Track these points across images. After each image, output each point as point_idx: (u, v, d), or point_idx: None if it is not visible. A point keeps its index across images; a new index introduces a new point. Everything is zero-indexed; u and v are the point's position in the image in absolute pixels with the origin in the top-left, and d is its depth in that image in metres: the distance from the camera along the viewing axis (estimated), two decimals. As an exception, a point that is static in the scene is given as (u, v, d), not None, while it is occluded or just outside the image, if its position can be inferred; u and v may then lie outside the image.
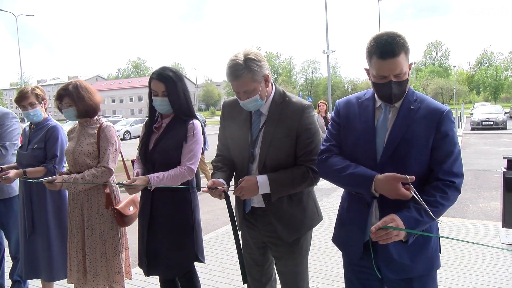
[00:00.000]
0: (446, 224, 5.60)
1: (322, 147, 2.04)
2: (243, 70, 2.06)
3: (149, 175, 2.48)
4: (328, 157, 1.96)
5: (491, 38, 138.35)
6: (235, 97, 2.31)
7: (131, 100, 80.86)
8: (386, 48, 1.72)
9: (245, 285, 2.44)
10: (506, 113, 28.02)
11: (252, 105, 2.19)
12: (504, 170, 4.87)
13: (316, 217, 2.42)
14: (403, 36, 1.75)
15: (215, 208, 7.08)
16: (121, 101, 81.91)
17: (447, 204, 1.77)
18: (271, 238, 2.34)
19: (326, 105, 10.05)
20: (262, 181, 2.15)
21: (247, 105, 2.19)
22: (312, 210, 2.38)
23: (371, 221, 1.88)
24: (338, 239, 2.11)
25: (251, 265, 2.48)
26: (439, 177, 1.78)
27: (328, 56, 24.22)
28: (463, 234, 5.20)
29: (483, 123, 23.24)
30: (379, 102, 1.92)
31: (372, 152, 1.85)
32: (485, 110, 25.42)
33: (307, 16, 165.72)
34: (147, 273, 2.70)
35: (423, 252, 1.88)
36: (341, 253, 2.14)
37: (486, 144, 16.30)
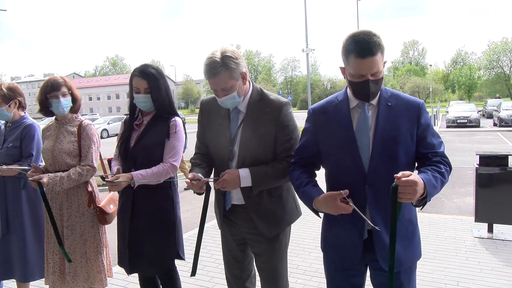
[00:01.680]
0: (422, 219, 5.73)
1: (292, 159, 2.13)
2: (221, 68, 2.07)
3: (132, 172, 2.47)
4: (293, 169, 2.06)
5: (466, 38, 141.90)
6: (213, 95, 2.32)
7: (109, 98, 79.60)
8: (364, 47, 1.73)
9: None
10: (479, 111, 28.79)
11: (230, 103, 2.20)
12: (477, 166, 5.04)
13: (295, 213, 2.45)
14: (378, 35, 1.78)
15: (195, 206, 7.06)
16: (98, 99, 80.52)
17: (448, 178, 1.84)
18: (251, 235, 2.36)
19: None
20: (244, 174, 2.17)
21: (225, 103, 2.20)
22: (291, 206, 2.41)
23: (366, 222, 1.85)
24: (330, 244, 2.07)
25: (231, 262, 2.50)
26: (436, 160, 1.85)
27: (307, 54, 24.36)
28: (439, 228, 5.33)
29: (458, 121, 23.81)
30: (354, 103, 1.91)
31: (356, 154, 1.85)
32: (459, 108, 26.04)
33: (287, 15, 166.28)
34: (129, 271, 2.68)
35: (412, 242, 1.96)
36: (321, 252, 2.15)
37: (461, 141, 16.71)
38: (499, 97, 42.49)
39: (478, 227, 5.22)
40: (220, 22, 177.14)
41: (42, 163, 3.04)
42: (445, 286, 3.70)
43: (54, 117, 2.99)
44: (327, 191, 1.92)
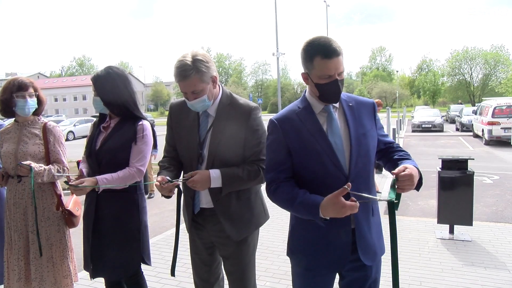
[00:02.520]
0: (388, 221, 5.87)
1: (267, 177, 1.95)
2: (191, 71, 2.08)
3: (97, 177, 2.43)
4: (276, 187, 1.89)
5: (430, 45, 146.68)
6: (182, 98, 2.33)
7: (75, 99, 77.39)
8: (329, 48, 1.78)
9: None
10: (443, 116, 29.81)
11: (200, 106, 2.21)
12: (439, 170, 5.22)
13: (263, 216, 2.47)
14: (335, 40, 1.86)
15: (163, 210, 6.98)
16: (64, 100, 78.15)
17: None
18: (219, 238, 2.36)
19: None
20: (215, 175, 2.18)
21: (195, 106, 2.20)
22: (259, 209, 2.43)
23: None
24: (308, 248, 1.98)
25: (199, 266, 2.49)
26: (395, 149, 2.02)
27: (277, 58, 24.58)
28: (403, 230, 5.48)
29: (423, 126, 24.58)
30: (318, 108, 1.94)
31: (335, 157, 1.86)
32: (424, 114, 26.89)
33: (258, 18, 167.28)
34: (92, 275, 2.64)
35: (381, 234, 2.08)
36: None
37: (425, 145, 17.26)
38: (461, 103, 44.12)
39: (440, 228, 5.40)
40: (191, 23, 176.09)
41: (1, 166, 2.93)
42: (408, 286, 3.81)
43: (13, 119, 2.90)
44: None
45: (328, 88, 1.85)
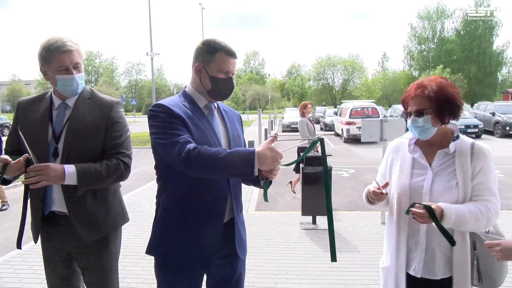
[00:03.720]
0: (258, 217, 6.18)
1: (175, 142, 1.73)
2: (72, 43, 2.10)
3: None
4: (196, 146, 1.72)
5: (299, 51, 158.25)
6: (31, 96, 2.21)
7: None
8: (232, 48, 1.95)
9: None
10: (310, 117, 32.36)
11: (81, 83, 2.17)
12: (303, 166, 5.67)
13: (122, 218, 2.37)
14: None
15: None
16: None
17: None
18: (77, 248, 2.21)
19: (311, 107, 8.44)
20: (70, 170, 2.01)
21: (78, 81, 2.14)
22: (117, 210, 2.33)
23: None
24: (172, 246, 1.94)
25: (56, 282, 2.29)
26: None
27: (152, 58, 23.92)
28: (272, 224, 5.82)
29: (292, 126, 26.31)
30: (201, 104, 1.99)
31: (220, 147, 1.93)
32: (293, 115, 28.79)
33: (130, 16, 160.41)
34: None
35: (245, 230, 2.17)
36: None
37: (295, 143, 18.50)
38: (324, 105, 48.59)
39: (304, 220, 5.87)
40: (55, 17, 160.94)
41: None
42: (276, 276, 4.06)
43: None
44: (178, 189, 1.91)
45: (223, 83, 1.95)
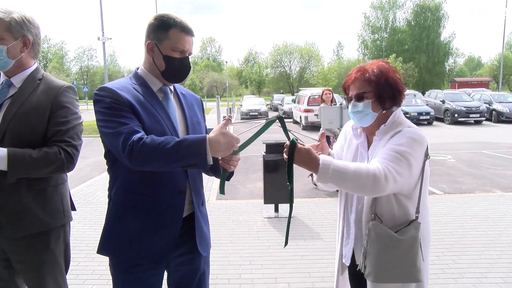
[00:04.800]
0: (220, 206, 6.07)
1: (119, 132, 1.58)
2: None
3: None
4: (141, 137, 1.57)
5: (256, 39, 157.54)
6: None
7: None
8: (187, 24, 1.77)
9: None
10: (268, 104, 32.47)
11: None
12: (264, 154, 5.59)
13: (61, 216, 2.09)
14: None
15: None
16: None
17: None
18: (10, 246, 1.98)
19: (332, 93, 7.83)
20: (1, 153, 1.78)
21: None
22: (56, 207, 2.06)
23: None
24: (127, 244, 1.78)
25: None
26: None
27: (103, 43, 22.90)
28: (234, 213, 5.73)
29: (250, 114, 26.32)
30: (155, 87, 1.81)
31: (176, 135, 1.75)
32: (251, 102, 28.86)
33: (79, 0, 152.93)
34: None
35: (208, 224, 2.04)
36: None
37: (252, 132, 18.44)
38: (282, 93, 48.90)
39: (267, 208, 5.81)
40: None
41: None
42: (240, 267, 3.97)
43: None
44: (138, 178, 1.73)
45: (178, 63, 1.78)
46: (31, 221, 1.95)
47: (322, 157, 1.64)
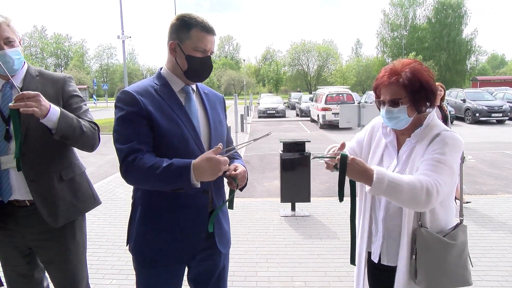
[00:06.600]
0: (237, 204, 6.09)
1: (123, 147, 1.68)
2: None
3: None
4: (135, 157, 1.65)
5: (273, 37, 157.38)
6: None
7: None
8: (209, 24, 1.79)
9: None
10: (285, 103, 32.40)
11: (17, 59, 1.98)
12: (281, 152, 5.60)
13: (92, 200, 2.24)
14: None
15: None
16: None
17: None
18: (39, 241, 2.06)
19: (444, 90, 6.28)
20: (56, 108, 1.89)
21: (13, 56, 1.95)
22: (86, 192, 2.20)
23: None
24: (152, 241, 1.81)
25: (17, 280, 2.12)
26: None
27: (123, 41, 23.18)
28: (251, 211, 5.75)
29: (268, 112, 26.31)
30: (177, 87, 1.84)
31: (198, 140, 1.79)
32: (268, 100, 28.81)
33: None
34: None
35: (229, 222, 2.07)
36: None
37: (270, 130, 18.48)
38: (299, 91, 48.62)
39: (283, 207, 5.82)
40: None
41: None
42: (256, 264, 4.00)
43: None
44: None
45: (200, 62, 1.80)
46: (67, 209, 2.05)
47: (376, 168, 1.63)
